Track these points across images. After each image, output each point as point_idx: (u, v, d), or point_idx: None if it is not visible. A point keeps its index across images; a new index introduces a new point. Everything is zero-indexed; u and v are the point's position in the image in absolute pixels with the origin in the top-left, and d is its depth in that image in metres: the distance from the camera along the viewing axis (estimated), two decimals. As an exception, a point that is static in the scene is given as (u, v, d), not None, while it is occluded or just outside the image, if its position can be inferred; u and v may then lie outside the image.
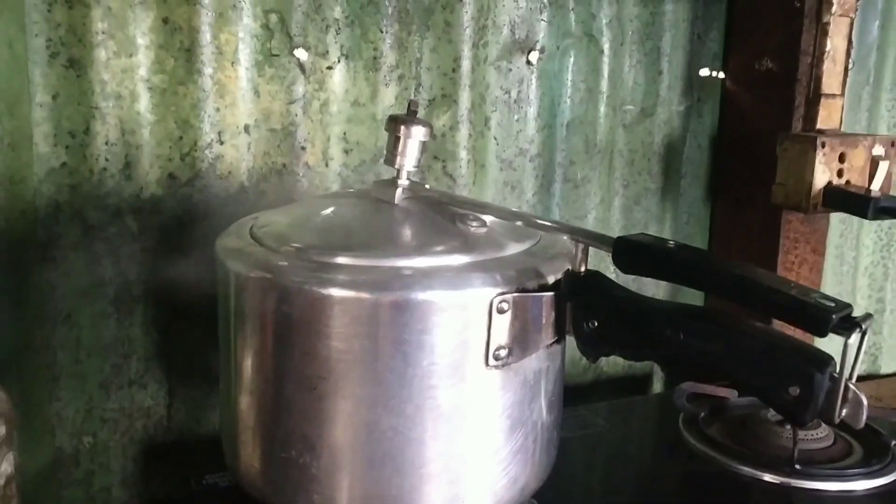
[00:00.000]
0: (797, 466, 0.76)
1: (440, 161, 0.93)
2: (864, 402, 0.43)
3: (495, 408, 0.55)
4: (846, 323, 0.43)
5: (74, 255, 0.79)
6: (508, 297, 0.52)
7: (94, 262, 0.80)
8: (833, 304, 0.43)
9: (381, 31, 0.88)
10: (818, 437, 0.82)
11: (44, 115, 0.76)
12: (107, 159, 0.79)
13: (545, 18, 0.96)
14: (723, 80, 1.08)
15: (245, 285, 0.56)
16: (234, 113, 0.82)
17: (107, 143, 0.78)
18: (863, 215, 0.92)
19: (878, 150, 0.98)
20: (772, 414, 0.85)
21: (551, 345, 0.55)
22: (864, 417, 0.43)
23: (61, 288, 0.79)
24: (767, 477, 0.77)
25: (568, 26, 0.98)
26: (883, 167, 0.97)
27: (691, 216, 1.11)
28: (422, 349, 0.52)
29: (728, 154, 1.09)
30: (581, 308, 0.51)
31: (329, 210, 0.62)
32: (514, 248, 0.56)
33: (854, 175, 0.96)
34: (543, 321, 0.53)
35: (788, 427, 0.81)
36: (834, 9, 0.95)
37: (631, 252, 0.49)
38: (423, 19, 0.90)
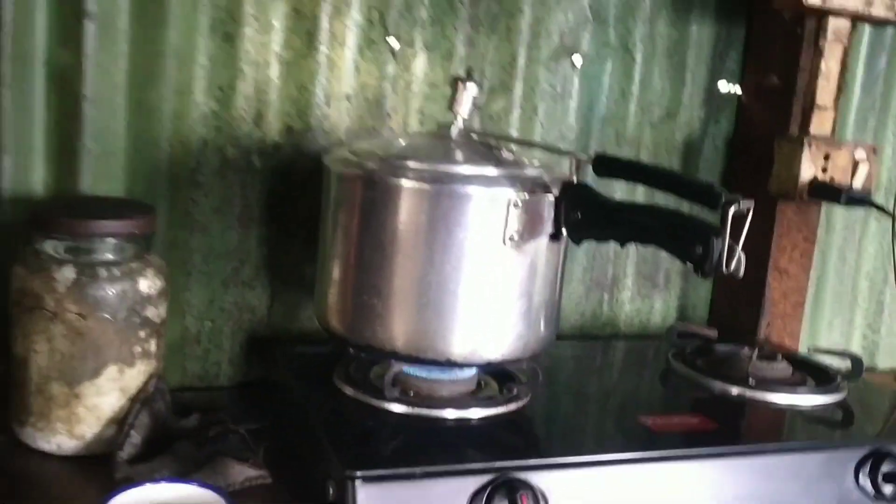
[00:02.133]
0: (751, 382, 0.96)
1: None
2: (743, 258, 0.65)
3: (507, 277, 0.78)
4: (731, 202, 0.65)
5: (213, 180, 1.05)
6: (522, 196, 0.76)
7: (227, 187, 1.05)
8: (724, 190, 0.66)
9: (456, 31, 1.12)
10: (779, 368, 1.02)
11: (202, 73, 1.02)
12: (244, 110, 1.05)
13: (589, 31, 1.20)
14: (739, 92, 1.30)
15: (343, 180, 0.81)
16: (339, 84, 1.08)
17: (245, 98, 1.04)
18: (837, 202, 1.12)
19: (861, 154, 1.18)
20: (745, 352, 1.05)
21: (551, 236, 0.78)
22: (743, 269, 0.65)
23: (201, 204, 1.05)
24: (733, 390, 0.97)
25: (607, 38, 1.21)
26: (863, 168, 1.17)
27: (705, 205, 1.31)
28: (459, 226, 0.76)
29: (739, 154, 1.30)
30: (571, 205, 0.75)
31: (405, 140, 0.87)
32: (531, 169, 0.80)
33: (838, 173, 1.16)
34: (545, 216, 0.77)
35: (755, 358, 1.01)
36: (828, 35, 1.16)
37: (604, 162, 0.73)
38: (490, 24, 1.14)
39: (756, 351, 1.00)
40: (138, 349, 0.87)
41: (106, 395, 0.85)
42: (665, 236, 0.69)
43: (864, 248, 1.46)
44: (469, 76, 0.85)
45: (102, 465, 0.81)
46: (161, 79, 1.00)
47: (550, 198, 0.76)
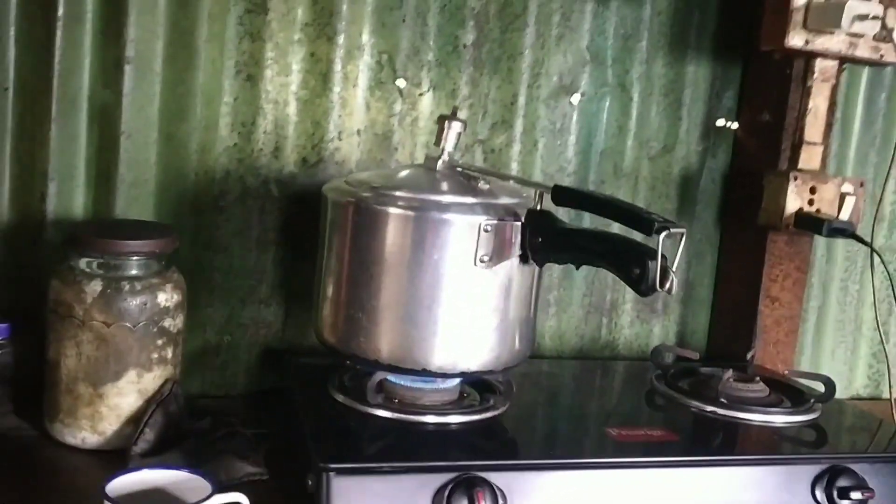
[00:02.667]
0: (722, 400, 1.02)
1: (497, 169, 1.25)
2: (675, 279, 0.72)
3: (480, 295, 0.87)
4: (663, 228, 0.72)
5: (234, 206, 1.15)
6: (491, 223, 0.84)
7: (247, 212, 1.16)
8: (660, 218, 0.73)
9: (460, 72, 1.22)
10: (756, 389, 1.07)
11: (227, 110, 1.14)
12: (263, 144, 1.15)
13: (587, 71, 1.28)
14: (735, 129, 1.36)
15: (338, 207, 0.90)
16: (351, 120, 1.18)
17: (265, 133, 1.15)
18: (819, 233, 1.17)
19: (847, 188, 1.23)
20: (724, 373, 1.11)
21: (519, 258, 0.86)
22: (675, 287, 0.72)
23: (223, 228, 1.16)
24: (707, 409, 1.03)
25: (605, 78, 1.29)
26: (850, 202, 1.22)
27: (704, 236, 1.37)
28: (436, 248, 0.85)
29: (735, 187, 1.36)
30: (534, 230, 0.83)
31: (395, 172, 0.96)
32: (503, 199, 0.88)
33: (824, 206, 1.21)
34: (512, 240, 0.85)
35: (731, 380, 1.07)
36: (816, 76, 1.22)
37: (561, 193, 0.81)
38: (493, 66, 1.23)
39: (731, 373, 1.05)
40: (156, 356, 0.97)
41: (126, 396, 0.95)
42: (610, 259, 0.76)
43: (868, 280, 1.49)
44: (454, 115, 0.94)
45: (120, 458, 0.91)
46: (190, 116, 1.11)
47: (518, 224, 0.84)
